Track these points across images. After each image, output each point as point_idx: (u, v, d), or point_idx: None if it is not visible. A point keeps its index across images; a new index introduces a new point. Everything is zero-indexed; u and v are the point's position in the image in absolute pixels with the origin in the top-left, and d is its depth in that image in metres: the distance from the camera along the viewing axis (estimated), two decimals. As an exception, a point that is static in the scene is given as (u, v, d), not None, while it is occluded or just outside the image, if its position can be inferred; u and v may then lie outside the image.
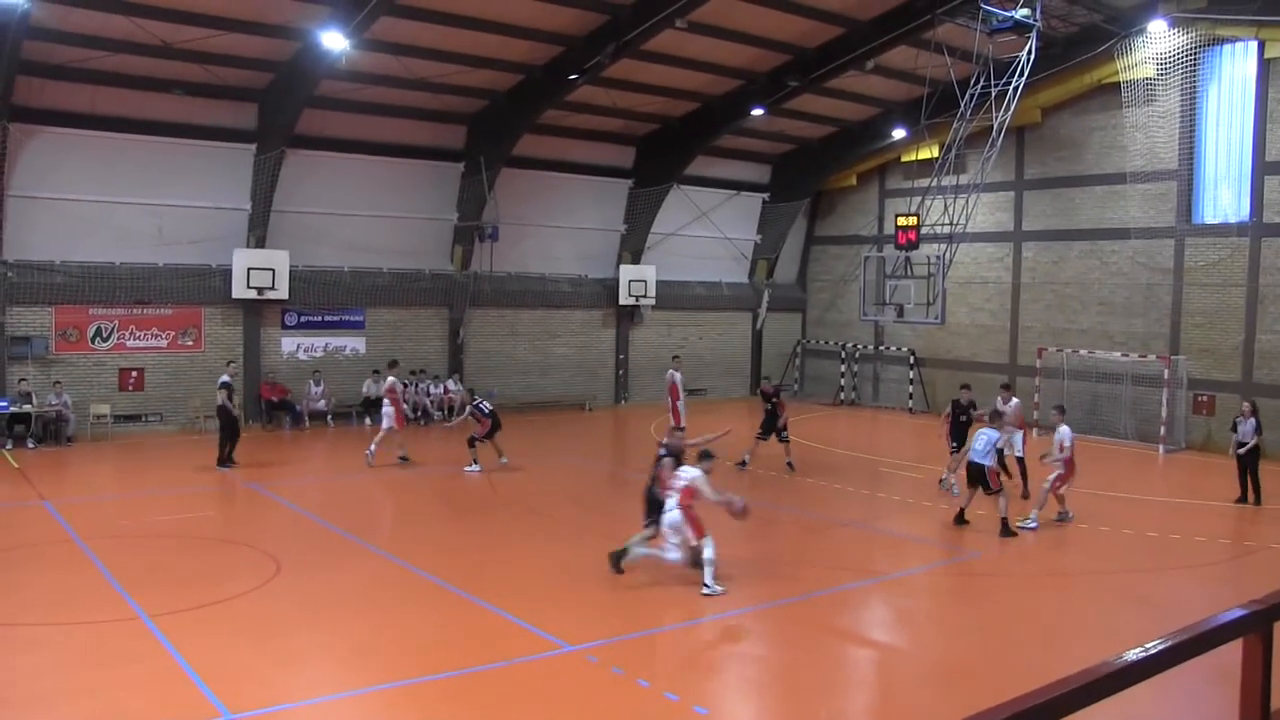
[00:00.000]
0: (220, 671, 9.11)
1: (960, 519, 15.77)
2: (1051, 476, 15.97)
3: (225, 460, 19.76)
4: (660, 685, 9.06)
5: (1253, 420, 17.90)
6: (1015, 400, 18.88)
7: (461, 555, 14.05)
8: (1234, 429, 18.37)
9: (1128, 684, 2.91)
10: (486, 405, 20.28)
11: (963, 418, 18.44)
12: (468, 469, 19.84)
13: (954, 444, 18.43)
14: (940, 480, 18.78)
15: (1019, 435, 18.29)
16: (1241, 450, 17.93)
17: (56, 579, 12.13)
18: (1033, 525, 15.63)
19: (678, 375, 22.45)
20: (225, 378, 20.20)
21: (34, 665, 9.29)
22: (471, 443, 20.02)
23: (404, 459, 20.54)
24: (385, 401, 20.71)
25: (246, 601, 11.34)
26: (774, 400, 20.54)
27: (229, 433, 19.86)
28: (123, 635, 10.12)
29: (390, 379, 20.95)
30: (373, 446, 20.42)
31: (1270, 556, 14.48)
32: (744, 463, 20.19)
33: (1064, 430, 16.19)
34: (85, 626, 10.34)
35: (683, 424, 21.75)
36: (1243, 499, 17.93)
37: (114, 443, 22.52)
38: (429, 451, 23.26)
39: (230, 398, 19.85)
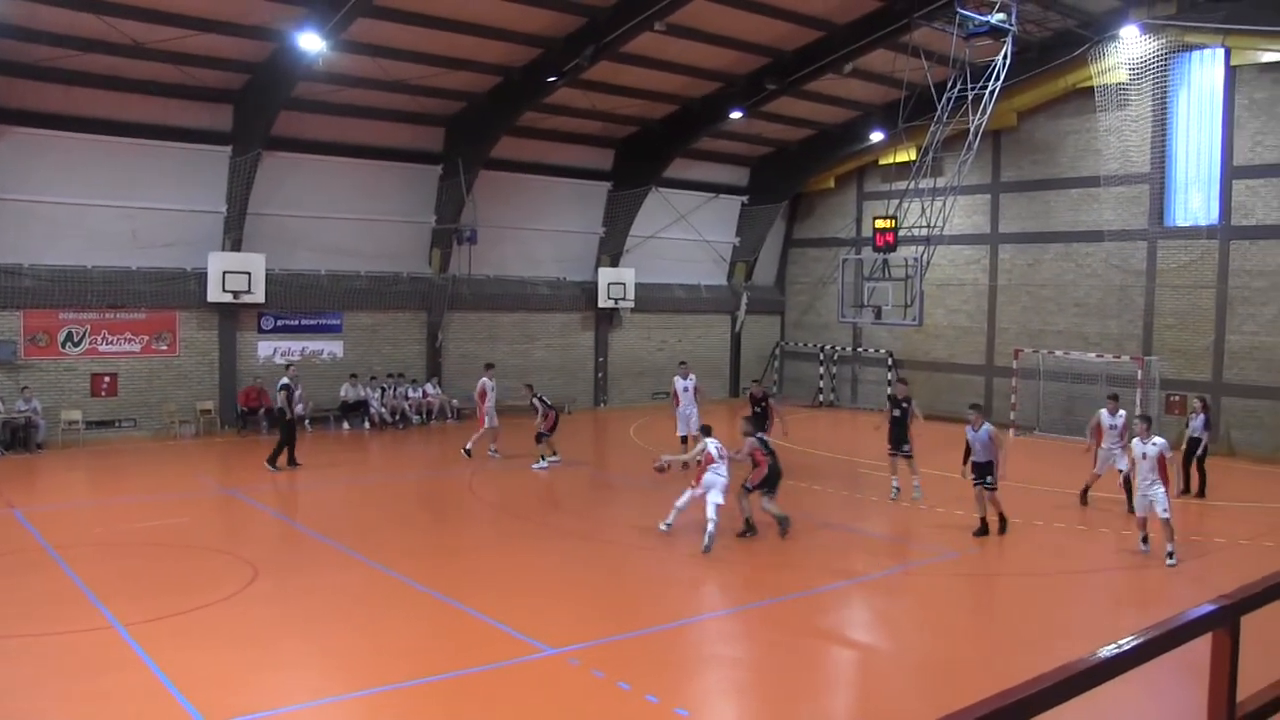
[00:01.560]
0: (197, 680, 9.04)
1: (983, 529, 15.43)
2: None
3: (290, 460, 20.22)
4: (641, 688, 9.06)
5: (1203, 417, 18.65)
6: (1124, 413, 17.41)
7: (441, 559, 14.02)
8: (1186, 425, 19.09)
9: (1102, 680, 2.94)
10: (547, 399, 21.18)
11: (896, 412, 18.04)
12: (536, 465, 20.48)
13: (890, 447, 18.00)
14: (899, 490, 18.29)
15: (1123, 456, 16.59)
16: (1197, 446, 18.52)
17: (28, 589, 12.00)
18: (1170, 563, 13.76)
19: (678, 380, 21.93)
20: (285, 380, 20.48)
21: (5, 678, 9.19)
22: (539, 438, 20.59)
23: (467, 452, 21.48)
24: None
25: (223, 609, 11.26)
26: (763, 404, 20.25)
27: (286, 434, 20.25)
28: (97, 645, 10.03)
29: (482, 380, 21.88)
30: (492, 447, 21.79)
31: (1239, 552, 14.64)
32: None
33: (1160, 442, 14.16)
34: (58, 637, 10.24)
35: (680, 432, 21.41)
36: (1185, 491, 18.36)
37: (86, 449, 22.30)
38: (410, 456, 23.22)
39: (290, 400, 20.14)
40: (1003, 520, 15.48)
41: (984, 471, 15.34)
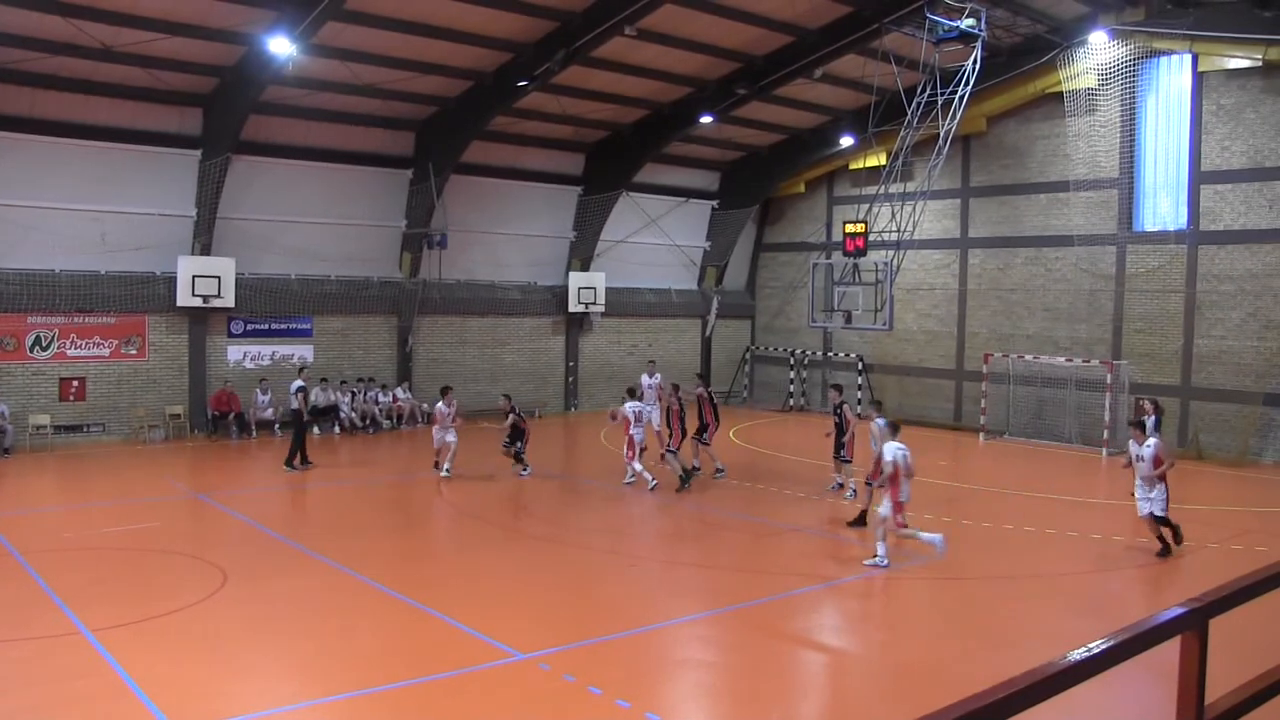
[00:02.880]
0: (166, 686, 8.96)
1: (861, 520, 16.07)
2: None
3: (299, 461, 20.73)
4: (612, 693, 9.05)
5: (1153, 418, 18.92)
6: (1154, 441, 14.53)
7: (412, 564, 13.95)
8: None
9: (1072, 683, 2.96)
10: (520, 410, 21.05)
11: (835, 418, 18.66)
12: (524, 472, 20.26)
13: (836, 454, 18.61)
14: (839, 486, 18.81)
15: (1159, 490, 14.35)
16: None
17: (-6, 594, 11.86)
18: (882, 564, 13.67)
19: (644, 378, 22.60)
20: (300, 382, 21.15)
21: (-29, 682, 9.07)
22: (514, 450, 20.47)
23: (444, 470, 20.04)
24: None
25: (193, 614, 11.16)
26: (713, 403, 20.48)
27: (299, 435, 20.79)
28: (64, 651, 9.90)
29: (439, 405, 20.43)
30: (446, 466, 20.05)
31: (1207, 556, 14.77)
32: (697, 468, 20.24)
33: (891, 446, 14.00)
34: (24, 643, 10.11)
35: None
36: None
37: (55, 454, 22.06)
38: (380, 460, 23.09)
39: (306, 401, 20.90)
40: (863, 515, 15.99)
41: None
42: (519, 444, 20.30)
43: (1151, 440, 14.54)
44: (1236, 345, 23.72)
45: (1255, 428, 23.29)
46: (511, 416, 20.44)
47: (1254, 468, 22.73)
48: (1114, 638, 3.17)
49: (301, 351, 26.39)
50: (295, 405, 20.86)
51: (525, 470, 20.26)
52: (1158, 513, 14.41)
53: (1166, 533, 14.55)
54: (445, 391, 20.79)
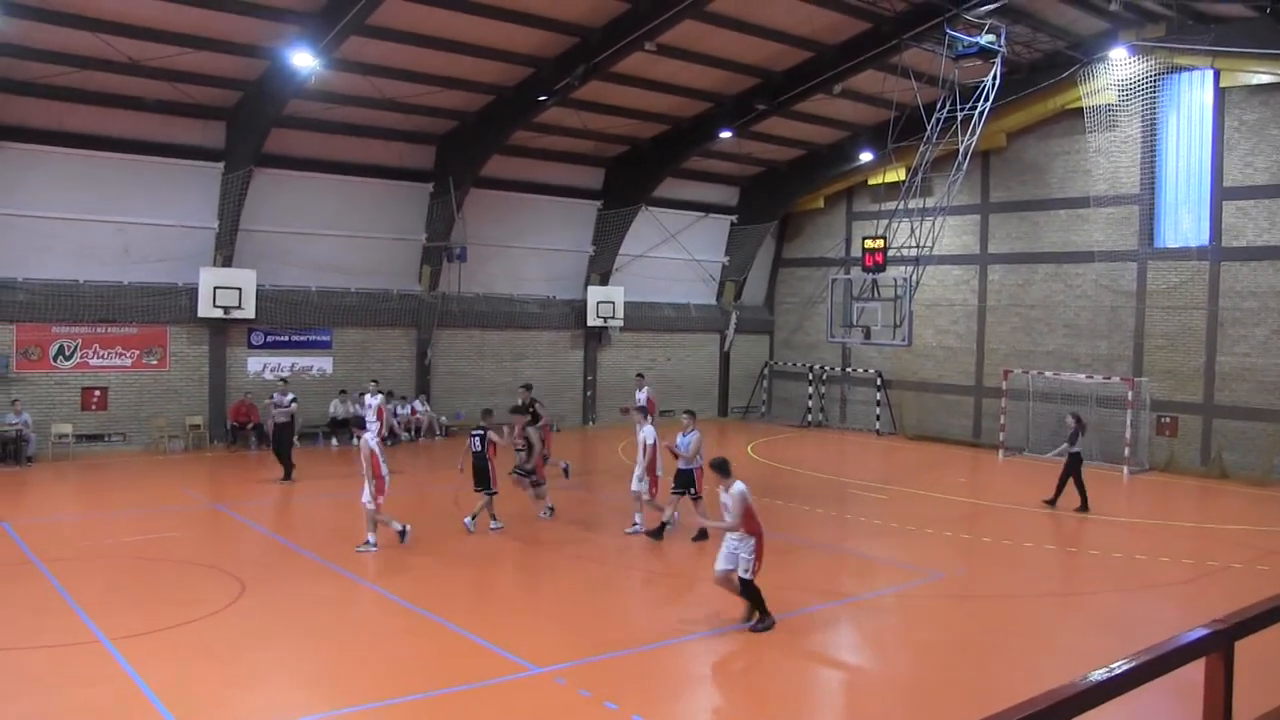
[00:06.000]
0: (183, 695, 8.98)
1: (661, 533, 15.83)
2: None
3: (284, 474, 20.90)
4: (629, 707, 9.01)
5: (1073, 431, 19.12)
6: (741, 488, 11.38)
7: (427, 576, 13.95)
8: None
9: (1093, 704, 2.93)
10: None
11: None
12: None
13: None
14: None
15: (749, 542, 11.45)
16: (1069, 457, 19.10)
17: (13, 601, 11.91)
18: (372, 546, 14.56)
19: (638, 394, 22.60)
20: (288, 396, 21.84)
21: (-10, 690, 9.11)
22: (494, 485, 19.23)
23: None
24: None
25: (210, 623, 11.19)
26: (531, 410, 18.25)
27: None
28: (82, 658, 9.96)
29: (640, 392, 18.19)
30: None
31: (1232, 576, 14.63)
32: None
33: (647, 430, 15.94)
34: (43, 650, 10.17)
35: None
36: (1051, 502, 19.02)
37: (76, 462, 22.22)
38: (396, 472, 23.12)
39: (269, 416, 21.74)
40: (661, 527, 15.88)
41: (685, 481, 15.80)
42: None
43: (737, 487, 11.28)
44: (1261, 362, 23.52)
45: None
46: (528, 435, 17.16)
47: (1279, 487, 22.50)
48: (1136, 658, 3.15)
49: (321, 363, 26.52)
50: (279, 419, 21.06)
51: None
52: (742, 574, 11.34)
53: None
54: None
